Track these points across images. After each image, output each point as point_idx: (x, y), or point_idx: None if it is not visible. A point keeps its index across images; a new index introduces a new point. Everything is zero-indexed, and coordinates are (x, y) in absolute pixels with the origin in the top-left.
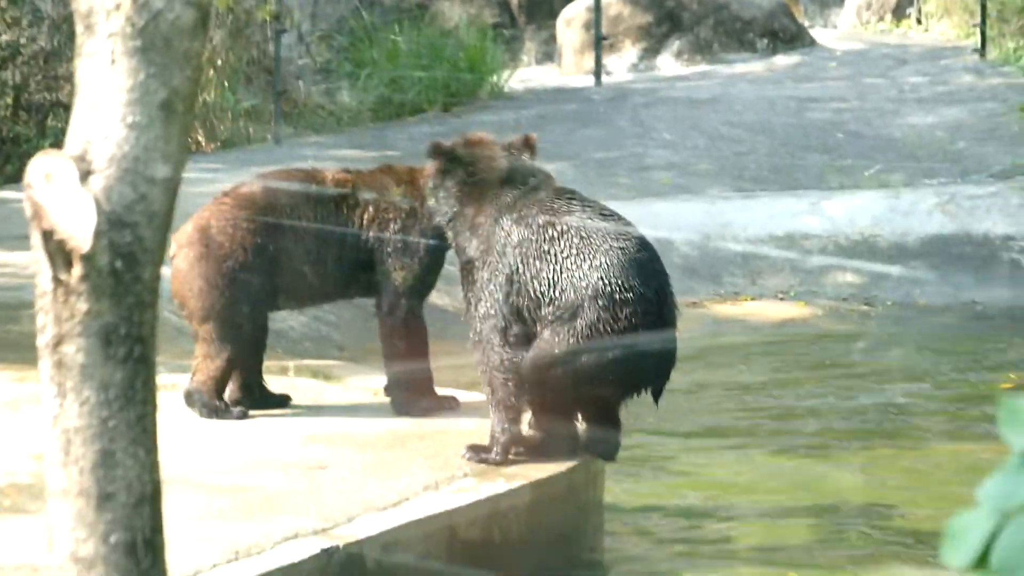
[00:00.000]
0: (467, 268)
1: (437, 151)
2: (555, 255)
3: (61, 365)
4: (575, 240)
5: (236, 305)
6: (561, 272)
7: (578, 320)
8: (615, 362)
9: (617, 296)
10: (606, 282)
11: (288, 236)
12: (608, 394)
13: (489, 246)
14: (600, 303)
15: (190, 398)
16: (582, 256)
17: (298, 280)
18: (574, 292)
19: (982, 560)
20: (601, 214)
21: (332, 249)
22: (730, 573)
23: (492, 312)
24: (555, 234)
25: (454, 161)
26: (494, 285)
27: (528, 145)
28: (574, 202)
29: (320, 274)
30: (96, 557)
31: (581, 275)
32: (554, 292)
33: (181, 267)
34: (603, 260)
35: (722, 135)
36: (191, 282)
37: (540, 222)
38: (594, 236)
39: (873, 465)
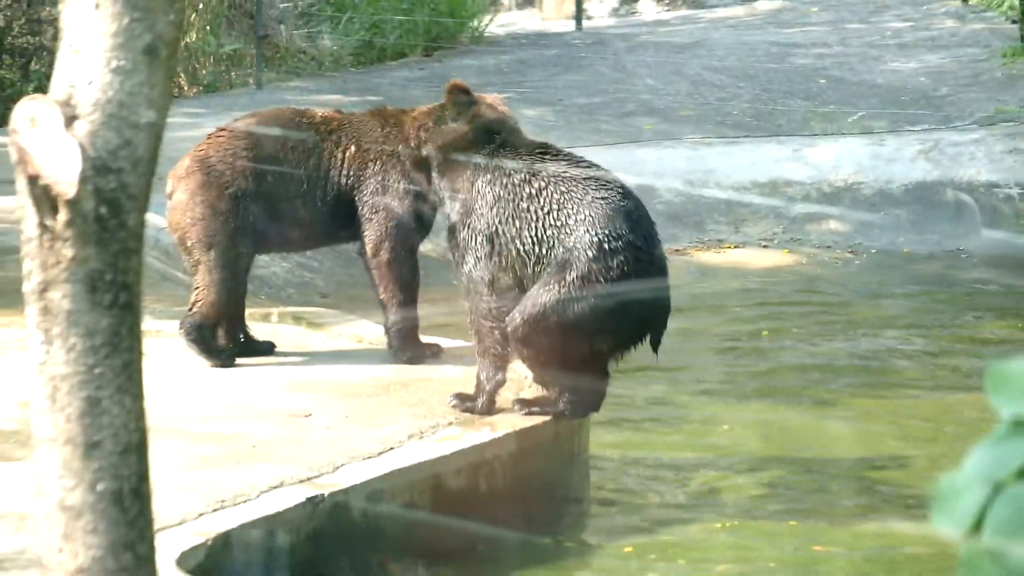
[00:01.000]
0: (451, 222)
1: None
2: (535, 212)
3: (47, 312)
4: (555, 196)
5: (239, 232)
6: (545, 229)
7: (569, 274)
8: (612, 314)
9: (606, 246)
10: (593, 234)
11: (280, 172)
12: (607, 347)
13: (468, 207)
14: (590, 255)
15: (186, 330)
16: (565, 211)
17: (290, 218)
18: (562, 248)
19: (973, 529)
20: (578, 165)
21: (319, 189)
22: (715, 525)
23: (478, 265)
24: (533, 191)
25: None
26: (476, 243)
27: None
28: (547, 156)
29: (310, 214)
30: (83, 505)
31: (567, 231)
32: (540, 250)
33: (182, 198)
34: (587, 213)
35: (704, 80)
36: (193, 210)
37: (516, 180)
38: (574, 189)
39: (861, 415)
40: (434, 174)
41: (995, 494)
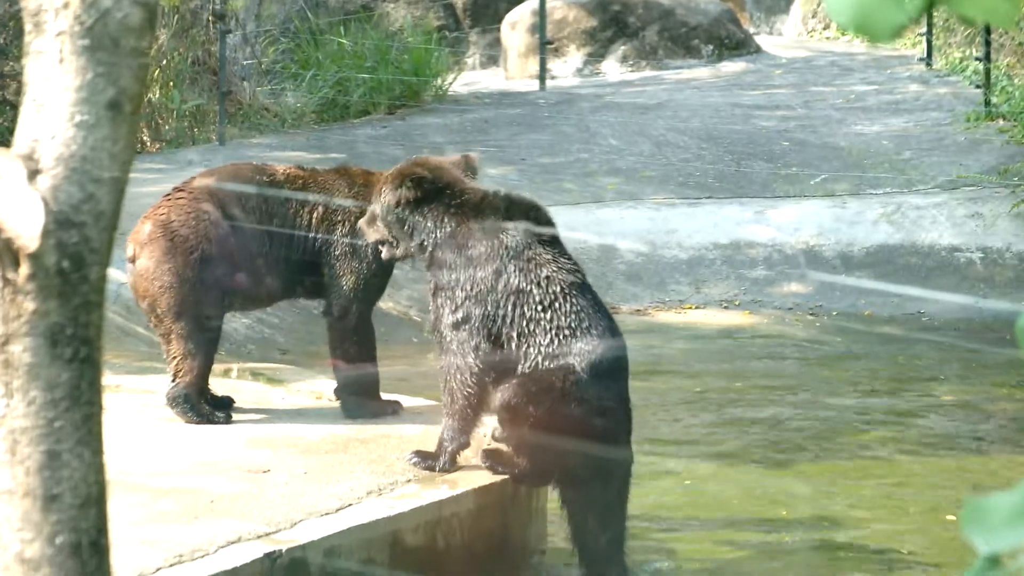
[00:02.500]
0: (443, 284)
1: (417, 183)
2: (537, 299)
3: (8, 365)
4: (560, 312)
5: (208, 298)
6: (540, 338)
7: (568, 373)
8: (597, 412)
9: (577, 395)
10: (572, 380)
11: (242, 231)
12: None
13: (458, 272)
14: (565, 392)
15: (175, 402)
16: (562, 334)
17: (252, 276)
18: (549, 361)
19: None
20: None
21: (281, 247)
22: None
23: (465, 326)
24: (546, 300)
25: (434, 189)
26: (466, 308)
27: (469, 166)
28: (561, 260)
29: (270, 272)
30: (42, 558)
31: (555, 354)
32: (529, 345)
33: (147, 265)
34: (578, 350)
35: (668, 141)
36: (160, 278)
37: (537, 277)
38: (580, 319)
39: (819, 476)
40: (415, 232)
41: None
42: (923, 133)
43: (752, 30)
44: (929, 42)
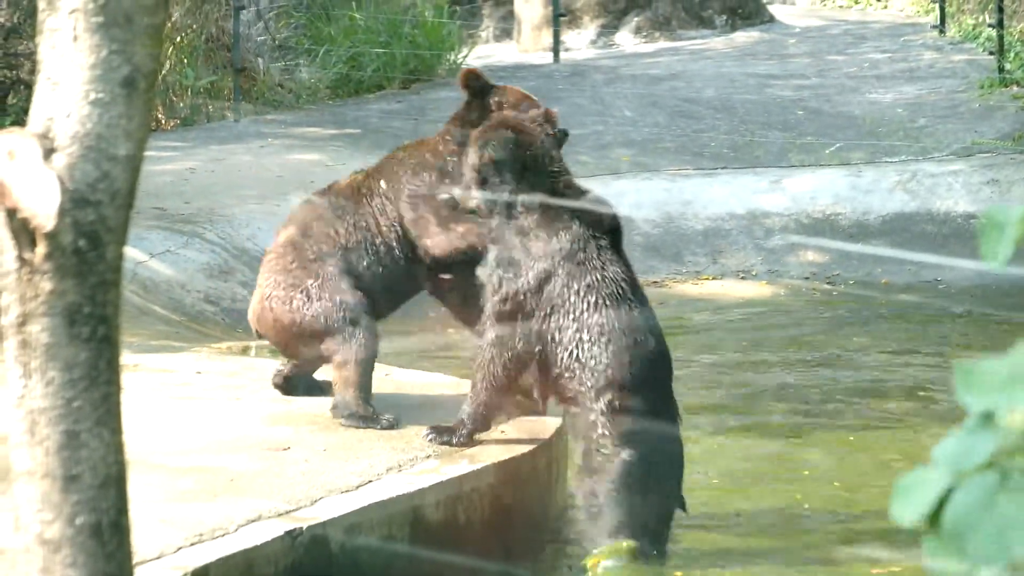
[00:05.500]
0: (503, 262)
1: (500, 144)
2: (586, 328)
3: (26, 345)
4: (603, 329)
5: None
6: (586, 348)
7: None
8: None
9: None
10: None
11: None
12: None
13: (515, 252)
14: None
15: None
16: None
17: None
18: (591, 371)
19: (933, 519)
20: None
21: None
22: (691, 555)
23: (511, 311)
24: (595, 323)
25: (515, 156)
26: (523, 295)
27: (549, 120)
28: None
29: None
30: (62, 539)
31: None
32: (574, 354)
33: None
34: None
35: (682, 112)
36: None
37: (580, 284)
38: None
39: (840, 445)
40: (473, 185)
41: (956, 485)
42: (937, 100)
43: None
44: (942, 9)
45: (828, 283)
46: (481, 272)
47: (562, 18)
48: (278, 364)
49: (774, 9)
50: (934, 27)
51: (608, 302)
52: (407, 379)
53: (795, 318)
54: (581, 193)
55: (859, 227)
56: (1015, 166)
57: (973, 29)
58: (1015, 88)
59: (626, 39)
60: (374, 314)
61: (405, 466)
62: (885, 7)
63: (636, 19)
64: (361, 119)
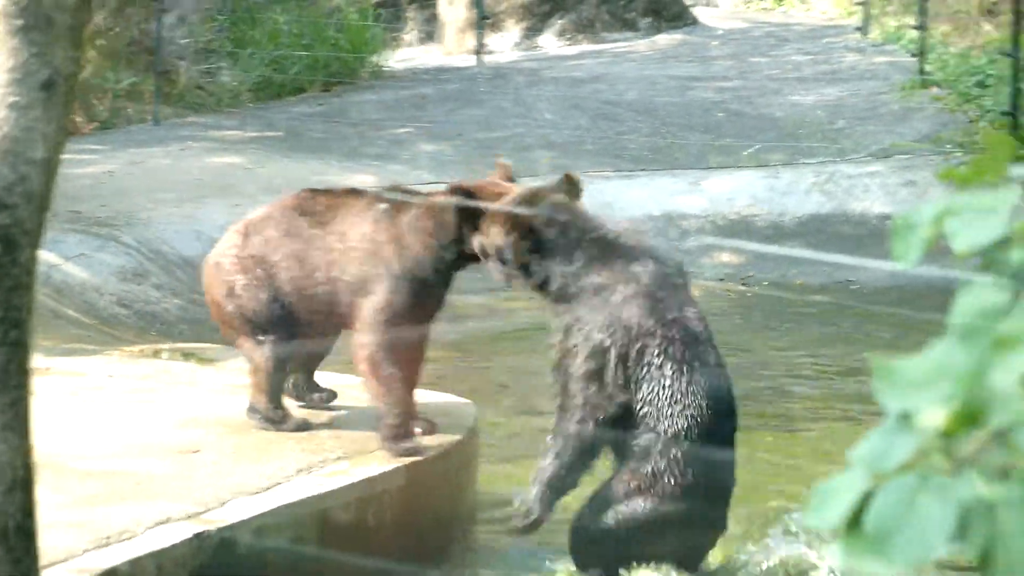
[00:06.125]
0: (577, 326)
1: (527, 232)
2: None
3: None
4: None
5: None
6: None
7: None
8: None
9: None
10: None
11: None
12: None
13: (608, 323)
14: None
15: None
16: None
17: None
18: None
19: (851, 522)
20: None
21: None
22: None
23: (594, 377)
24: (674, 374)
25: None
26: (603, 354)
27: (572, 185)
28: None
29: None
30: None
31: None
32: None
33: None
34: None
35: (604, 115)
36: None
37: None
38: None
39: (754, 446)
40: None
41: (876, 488)
42: (858, 102)
43: (689, 2)
44: (866, 11)
45: (743, 284)
46: (558, 341)
47: (486, 21)
48: (190, 366)
49: (698, 11)
50: (857, 29)
51: (687, 354)
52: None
53: (710, 319)
54: (634, 240)
55: (775, 228)
56: (932, 167)
57: (895, 31)
58: (935, 90)
59: (549, 42)
60: (294, 327)
61: (315, 467)
62: (808, 9)
63: (560, 22)
64: (282, 122)
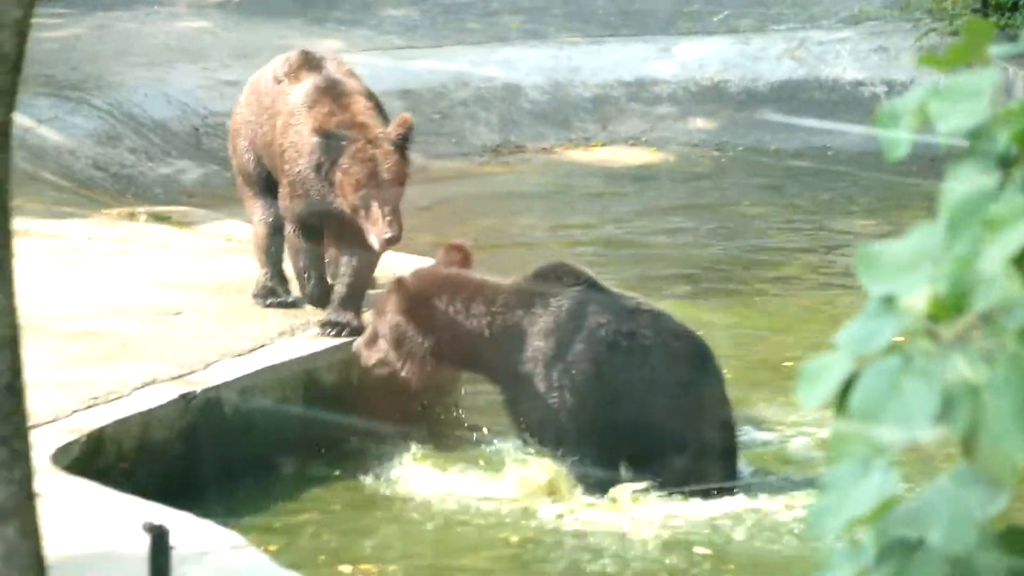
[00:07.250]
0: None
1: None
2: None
3: None
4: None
5: None
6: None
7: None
8: None
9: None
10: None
11: None
12: None
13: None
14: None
15: None
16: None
17: None
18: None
19: (839, 402)
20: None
21: None
22: None
23: (575, 412)
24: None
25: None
26: (574, 389)
27: (462, 253)
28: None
29: None
30: None
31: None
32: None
33: None
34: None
35: None
36: None
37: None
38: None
39: (736, 310)
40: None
41: (860, 369)
42: None
43: None
44: None
45: (717, 150)
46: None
47: None
48: (167, 228)
49: None
50: None
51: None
52: None
53: (689, 185)
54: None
55: (748, 94)
56: (902, 34)
57: None
58: None
59: None
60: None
61: (298, 330)
62: None
63: None
64: None
